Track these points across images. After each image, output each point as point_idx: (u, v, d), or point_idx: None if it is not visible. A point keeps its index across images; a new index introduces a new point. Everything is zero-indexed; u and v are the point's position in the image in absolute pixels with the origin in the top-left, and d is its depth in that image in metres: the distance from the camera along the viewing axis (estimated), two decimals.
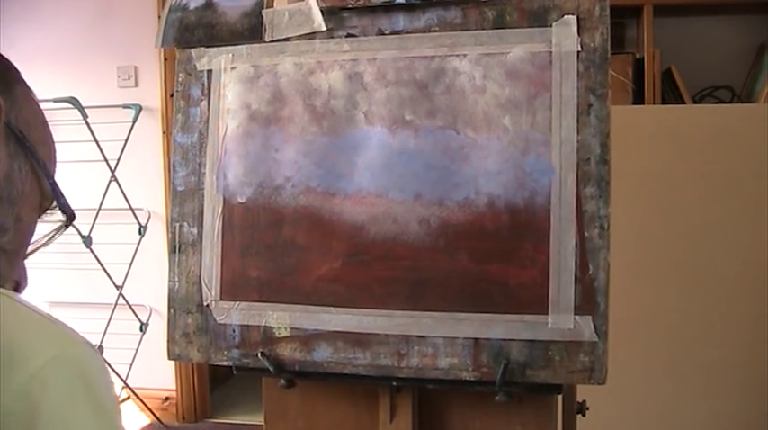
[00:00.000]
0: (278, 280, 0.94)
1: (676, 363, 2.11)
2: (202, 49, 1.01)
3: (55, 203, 0.64)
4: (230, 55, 0.99)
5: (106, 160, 2.45)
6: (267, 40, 0.98)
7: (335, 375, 0.93)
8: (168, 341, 1.00)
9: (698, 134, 2.13)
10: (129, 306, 2.61)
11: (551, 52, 0.88)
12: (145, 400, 2.56)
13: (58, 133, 0.62)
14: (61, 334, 0.53)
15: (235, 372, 0.98)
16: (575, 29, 0.87)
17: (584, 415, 1.05)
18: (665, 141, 2.14)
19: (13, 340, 0.50)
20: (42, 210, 0.63)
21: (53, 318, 0.54)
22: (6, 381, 0.48)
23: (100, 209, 2.48)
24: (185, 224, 1.00)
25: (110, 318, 2.52)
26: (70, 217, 0.63)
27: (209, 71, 1.00)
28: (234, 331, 0.96)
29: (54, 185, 0.62)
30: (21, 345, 0.50)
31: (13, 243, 0.60)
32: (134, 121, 2.57)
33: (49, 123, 0.63)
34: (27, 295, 0.61)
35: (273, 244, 0.95)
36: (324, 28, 0.95)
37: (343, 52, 0.95)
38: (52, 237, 0.63)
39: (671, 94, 2.45)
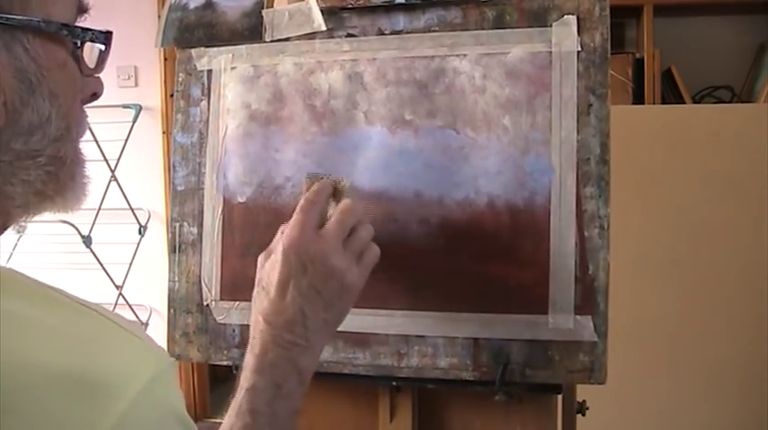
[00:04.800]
0: None
1: (676, 363, 2.12)
2: (202, 48, 1.01)
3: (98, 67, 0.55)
4: (230, 55, 0.99)
5: (106, 160, 2.45)
6: (267, 40, 0.98)
7: (335, 375, 0.93)
8: (168, 341, 1.00)
9: (698, 134, 2.13)
10: (129, 306, 2.61)
11: (551, 52, 0.88)
12: None
13: None
14: (147, 349, 0.47)
15: (235, 372, 0.98)
16: (575, 29, 0.87)
17: (584, 415, 1.05)
18: (665, 141, 2.15)
19: (105, 364, 0.43)
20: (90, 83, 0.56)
21: (130, 325, 0.48)
22: (102, 415, 0.41)
23: (100, 209, 2.48)
24: (185, 224, 1.00)
25: None
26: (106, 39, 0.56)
27: (209, 71, 1.00)
28: (234, 331, 0.96)
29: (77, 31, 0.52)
30: (113, 369, 0.43)
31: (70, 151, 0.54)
32: (134, 121, 2.58)
33: None
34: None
35: None
36: (324, 28, 0.95)
37: (343, 52, 0.95)
38: None
39: (671, 94, 2.45)
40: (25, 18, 0.49)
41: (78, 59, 0.54)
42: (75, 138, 0.55)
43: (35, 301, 0.46)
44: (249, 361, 0.75)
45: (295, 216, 0.77)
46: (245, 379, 0.74)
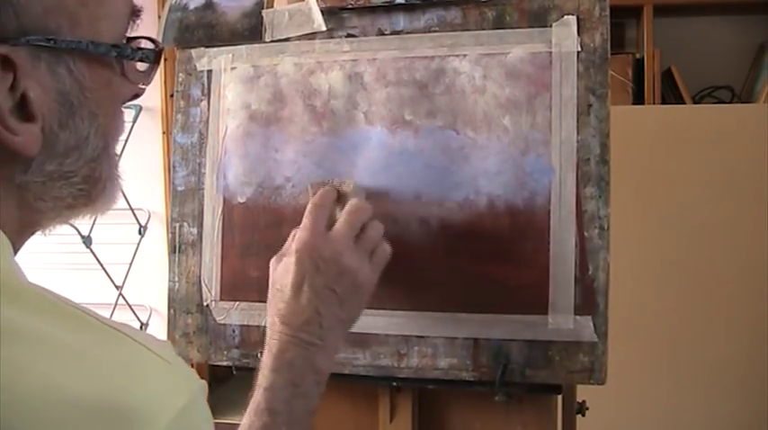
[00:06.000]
0: None
1: (676, 363, 2.12)
2: (202, 49, 1.01)
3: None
4: (230, 55, 0.99)
5: None
6: (267, 40, 0.98)
7: (335, 375, 0.92)
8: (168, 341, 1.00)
9: (698, 134, 2.13)
10: (129, 306, 2.61)
11: (551, 52, 0.88)
12: None
13: None
14: (178, 374, 0.45)
15: (235, 372, 0.98)
16: (575, 29, 0.87)
17: (583, 415, 1.05)
18: (665, 141, 2.14)
19: (136, 393, 0.42)
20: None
21: (160, 347, 0.46)
22: None
23: None
24: (185, 224, 1.00)
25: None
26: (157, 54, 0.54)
27: (210, 71, 1.00)
28: (234, 331, 0.96)
29: (121, 49, 0.50)
30: (145, 399, 0.42)
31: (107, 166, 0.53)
32: (134, 121, 2.57)
33: None
34: None
35: (273, 244, 0.95)
36: (324, 28, 0.95)
37: (343, 52, 0.95)
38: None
39: (671, 94, 2.45)
40: (74, 41, 0.48)
41: (126, 75, 0.53)
42: (112, 154, 0.55)
43: (64, 323, 0.44)
44: (267, 360, 0.76)
45: (304, 220, 0.78)
46: (263, 377, 0.75)
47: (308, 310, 0.75)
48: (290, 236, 0.82)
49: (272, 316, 0.78)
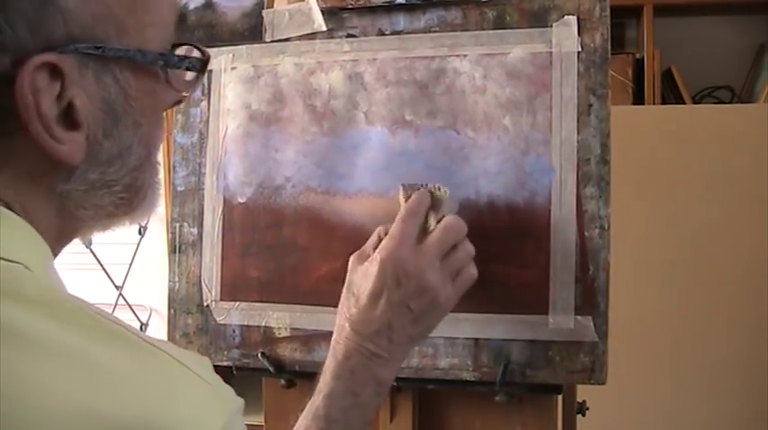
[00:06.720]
0: (278, 280, 0.94)
1: (676, 363, 2.12)
2: None
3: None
4: (230, 55, 0.99)
5: None
6: (267, 40, 0.98)
7: None
8: (168, 341, 1.00)
9: (698, 134, 2.13)
10: (129, 306, 2.61)
11: (551, 52, 0.88)
12: None
13: None
14: (215, 394, 0.44)
15: (235, 373, 0.98)
16: (575, 29, 0.87)
17: (584, 415, 1.05)
18: (665, 141, 2.14)
19: (174, 415, 0.41)
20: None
21: (197, 363, 0.45)
22: None
23: None
24: (185, 224, 1.00)
25: None
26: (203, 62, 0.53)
27: (210, 71, 1.00)
28: (234, 331, 0.96)
29: (167, 57, 0.50)
30: (183, 420, 0.41)
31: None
32: None
33: None
34: None
35: (274, 244, 0.95)
36: (324, 28, 0.95)
37: (343, 52, 0.95)
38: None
39: (671, 94, 2.45)
40: (121, 49, 0.47)
41: (170, 82, 0.53)
42: (153, 163, 0.54)
43: (98, 338, 0.43)
44: (330, 365, 0.75)
45: (395, 226, 0.76)
46: (324, 383, 0.74)
47: (380, 322, 0.73)
48: (375, 233, 0.80)
49: (341, 320, 0.76)
